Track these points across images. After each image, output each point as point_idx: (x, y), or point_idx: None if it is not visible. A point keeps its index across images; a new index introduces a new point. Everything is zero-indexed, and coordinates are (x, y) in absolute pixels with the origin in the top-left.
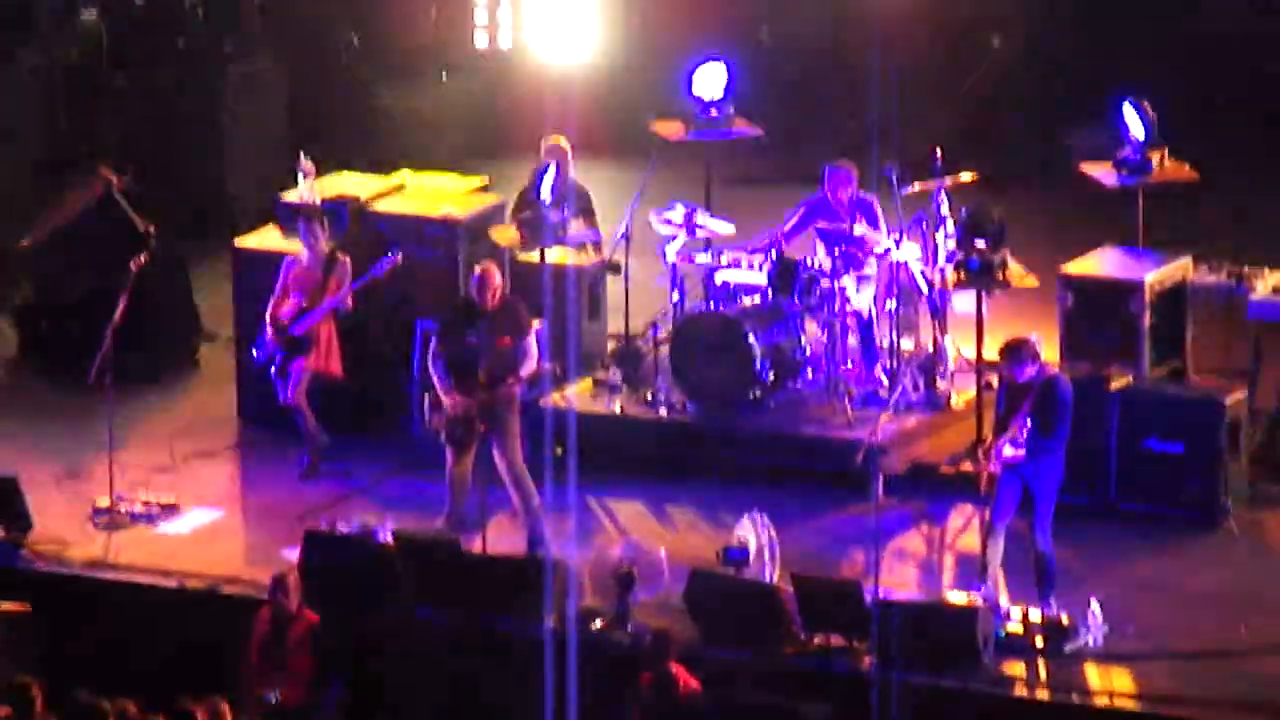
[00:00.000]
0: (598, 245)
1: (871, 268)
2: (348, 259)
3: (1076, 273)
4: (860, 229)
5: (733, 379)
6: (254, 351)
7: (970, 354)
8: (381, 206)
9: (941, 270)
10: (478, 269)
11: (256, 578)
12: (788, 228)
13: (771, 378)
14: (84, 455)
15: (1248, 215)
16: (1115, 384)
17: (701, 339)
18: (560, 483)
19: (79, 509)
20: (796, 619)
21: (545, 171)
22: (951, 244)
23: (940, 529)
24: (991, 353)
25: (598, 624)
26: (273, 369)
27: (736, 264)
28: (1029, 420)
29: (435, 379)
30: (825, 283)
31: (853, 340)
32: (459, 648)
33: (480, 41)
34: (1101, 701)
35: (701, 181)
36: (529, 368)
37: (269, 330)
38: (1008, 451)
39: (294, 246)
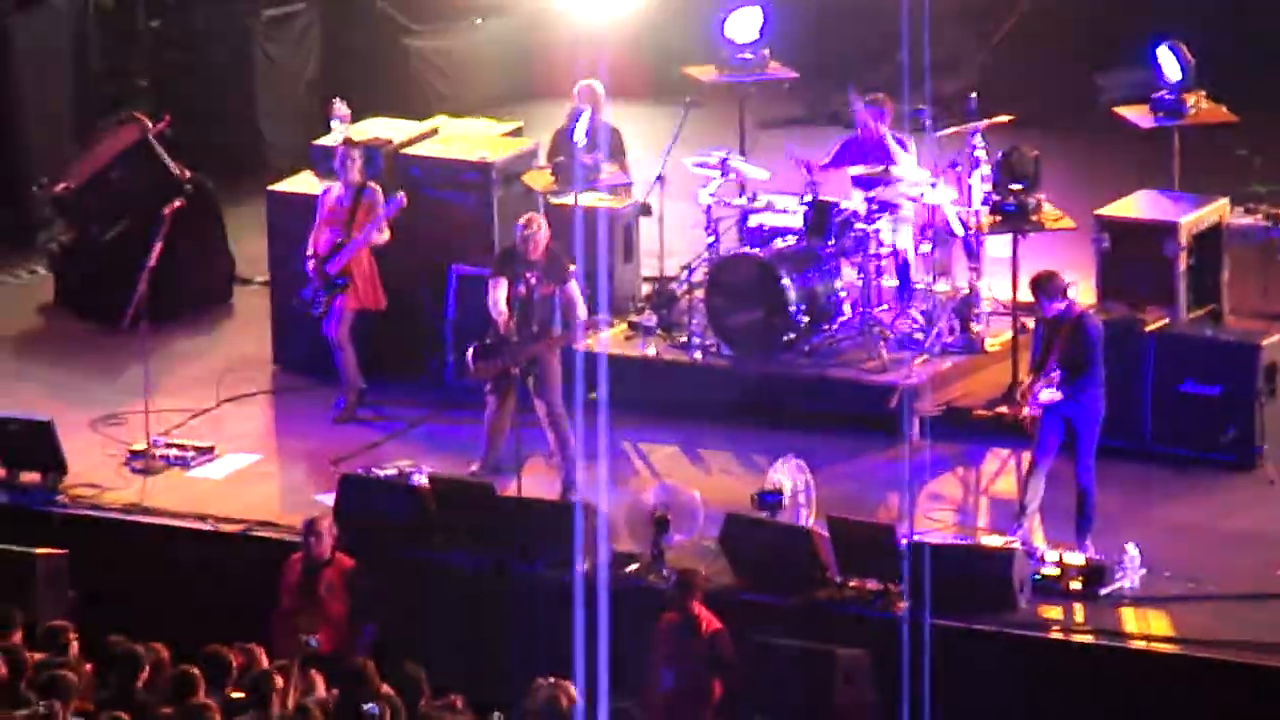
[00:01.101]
0: (630, 188)
1: (907, 210)
2: (377, 188)
3: (1112, 215)
4: (896, 169)
5: (767, 322)
6: (303, 294)
7: (1005, 297)
8: (416, 151)
9: (977, 213)
10: (523, 220)
11: (291, 522)
12: (825, 161)
13: (806, 321)
14: (119, 400)
15: None
16: (1152, 326)
17: (736, 282)
18: (594, 426)
19: (114, 453)
20: (831, 563)
21: (579, 115)
22: (987, 187)
23: (975, 472)
24: (1026, 295)
25: (632, 568)
26: (316, 308)
27: (771, 207)
28: (1060, 362)
29: (496, 316)
30: (860, 225)
31: (887, 283)
32: (493, 591)
33: None
34: (1138, 644)
35: (736, 124)
36: (576, 315)
37: (310, 265)
38: (1044, 395)
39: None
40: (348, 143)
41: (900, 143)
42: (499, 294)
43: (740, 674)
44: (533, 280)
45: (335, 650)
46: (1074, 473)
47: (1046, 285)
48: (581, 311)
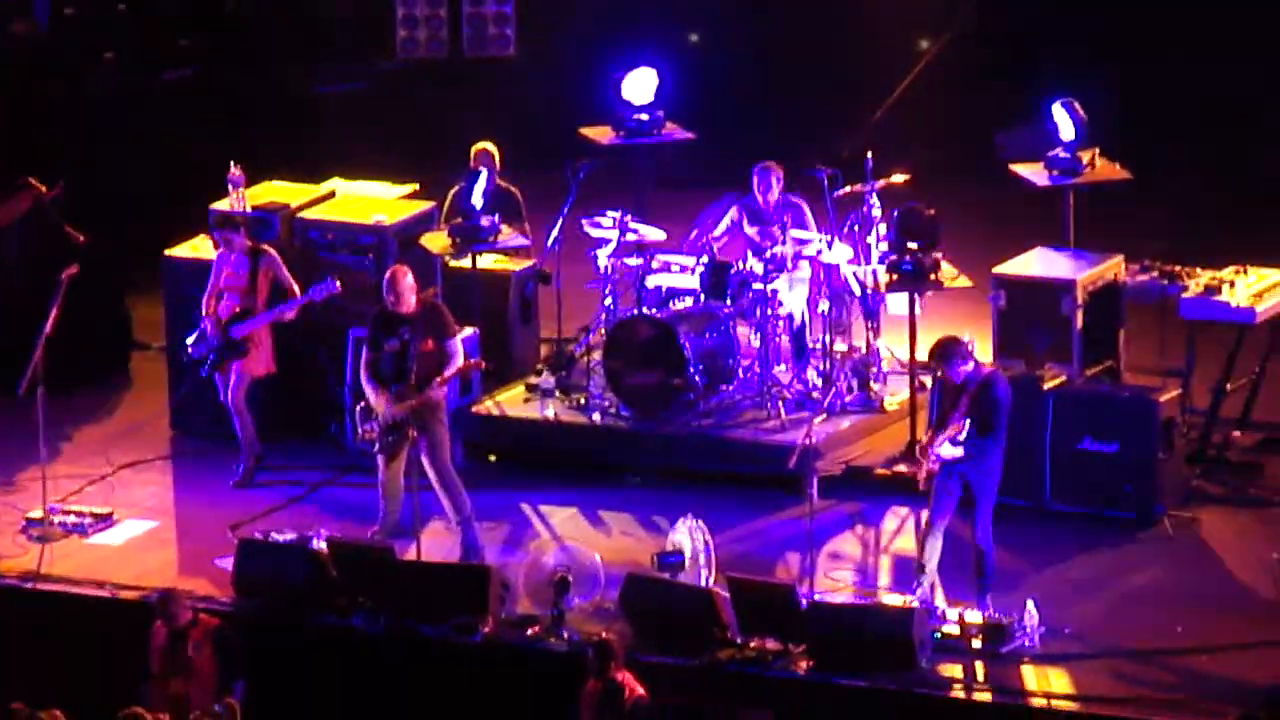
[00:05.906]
0: (529, 250)
1: (804, 270)
2: (273, 252)
3: (1009, 273)
4: (791, 230)
5: (666, 383)
6: (189, 347)
7: (903, 355)
8: (312, 214)
9: (874, 272)
10: (387, 272)
11: (191, 588)
12: (718, 232)
13: (704, 381)
14: (15, 467)
15: (1180, 214)
16: (1049, 384)
17: (634, 344)
18: (493, 489)
19: (11, 521)
20: (732, 623)
21: (476, 177)
22: (884, 246)
23: (875, 531)
24: (924, 354)
25: (532, 630)
26: (205, 368)
27: (668, 268)
28: (967, 419)
29: (366, 389)
30: (757, 285)
31: (785, 343)
32: (394, 656)
33: (407, 48)
34: (1038, 702)
35: (632, 186)
36: (452, 369)
37: (209, 325)
38: (945, 450)
39: None
40: (218, 223)
41: (797, 206)
42: (365, 361)
43: None
44: (406, 335)
45: (206, 705)
46: (972, 533)
47: (949, 351)
48: (459, 362)
